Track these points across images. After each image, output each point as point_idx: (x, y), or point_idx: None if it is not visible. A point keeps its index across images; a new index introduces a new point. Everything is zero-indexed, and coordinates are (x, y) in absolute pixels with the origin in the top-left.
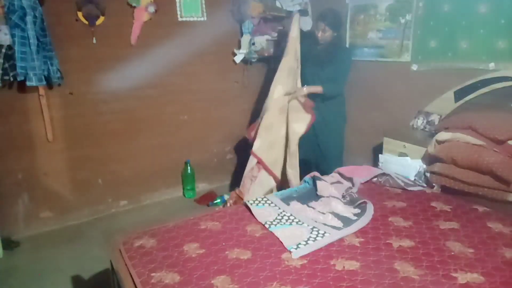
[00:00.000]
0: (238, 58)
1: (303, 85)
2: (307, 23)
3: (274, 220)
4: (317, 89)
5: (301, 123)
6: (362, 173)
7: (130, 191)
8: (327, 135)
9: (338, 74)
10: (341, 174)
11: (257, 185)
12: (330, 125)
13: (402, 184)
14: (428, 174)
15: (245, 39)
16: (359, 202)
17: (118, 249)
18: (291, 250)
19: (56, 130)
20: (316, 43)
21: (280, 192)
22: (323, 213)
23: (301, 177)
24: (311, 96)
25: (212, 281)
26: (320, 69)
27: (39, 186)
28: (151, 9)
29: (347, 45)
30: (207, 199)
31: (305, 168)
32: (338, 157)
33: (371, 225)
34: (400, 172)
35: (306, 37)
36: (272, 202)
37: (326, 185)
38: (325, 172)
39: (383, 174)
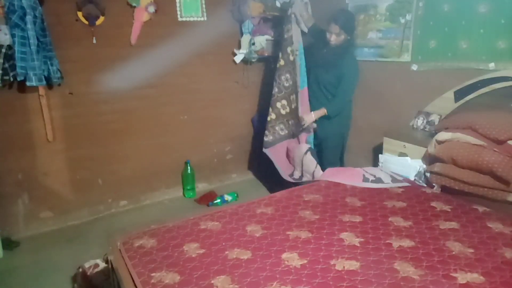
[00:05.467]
0: (238, 58)
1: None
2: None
3: None
4: (322, 112)
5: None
6: (343, 176)
7: (130, 191)
8: (327, 139)
9: (343, 87)
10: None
11: None
12: (332, 130)
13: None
14: (428, 174)
15: (245, 39)
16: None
17: (118, 249)
18: None
19: (56, 130)
20: (324, 44)
21: None
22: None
23: None
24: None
25: (212, 281)
26: (324, 71)
27: (39, 186)
28: (151, 9)
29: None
30: (207, 199)
31: None
32: (336, 162)
33: (371, 225)
34: (400, 172)
35: (315, 34)
36: None
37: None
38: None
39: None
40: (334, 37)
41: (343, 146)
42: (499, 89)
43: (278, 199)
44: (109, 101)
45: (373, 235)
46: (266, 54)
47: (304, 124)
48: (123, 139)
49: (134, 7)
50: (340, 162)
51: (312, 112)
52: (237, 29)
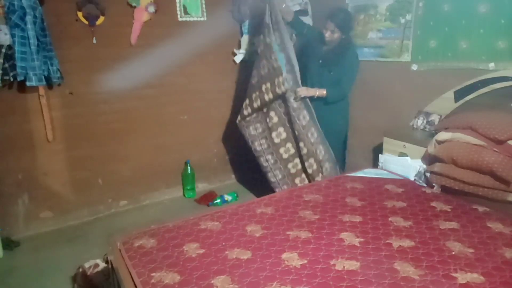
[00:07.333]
0: (238, 58)
1: (304, 84)
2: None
3: None
4: (322, 92)
5: None
6: None
7: (130, 191)
8: (328, 137)
9: (344, 79)
10: None
11: None
12: (332, 127)
13: None
14: (428, 174)
15: (245, 39)
16: None
17: (118, 249)
18: None
19: (56, 130)
20: (322, 42)
21: None
22: None
23: None
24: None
25: (212, 281)
26: (326, 70)
27: (39, 186)
28: (151, 9)
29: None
30: (207, 199)
31: None
32: (339, 159)
33: (371, 225)
34: (400, 172)
35: (312, 34)
36: None
37: None
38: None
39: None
40: (329, 34)
41: (345, 142)
42: (499, 89)
43: (278, 199)
44: (109, 101)
45: (373, 235)
46: None
47: (297, 96)
48: (123, 139)
49: (134, 7)
50: (342, 159)
51: (316, 89)
52: (237, 29)
